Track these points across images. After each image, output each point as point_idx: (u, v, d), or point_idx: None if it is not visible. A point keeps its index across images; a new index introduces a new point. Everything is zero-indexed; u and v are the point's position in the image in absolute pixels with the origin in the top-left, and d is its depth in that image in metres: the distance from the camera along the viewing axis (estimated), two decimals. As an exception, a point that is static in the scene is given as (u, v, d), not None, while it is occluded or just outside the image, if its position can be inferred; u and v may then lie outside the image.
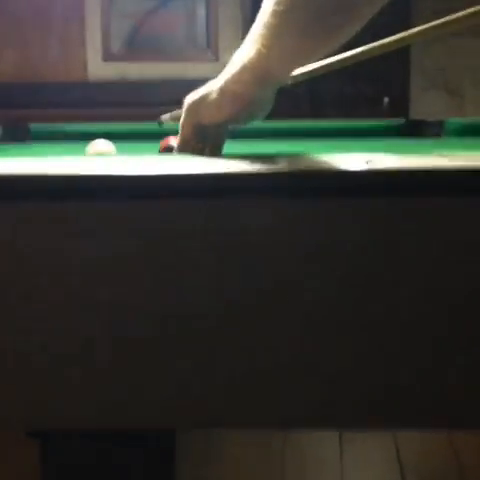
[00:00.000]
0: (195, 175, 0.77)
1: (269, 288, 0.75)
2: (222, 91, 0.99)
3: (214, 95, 1.00)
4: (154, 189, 0.75)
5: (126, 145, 1.50)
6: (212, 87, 1.01)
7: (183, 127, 1.05)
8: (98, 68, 4.64)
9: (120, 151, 1.40)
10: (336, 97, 4.68)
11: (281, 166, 0.82)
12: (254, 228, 0.75)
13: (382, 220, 0.75)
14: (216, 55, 4.48)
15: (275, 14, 0.92)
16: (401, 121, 2.13)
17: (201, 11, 4.66)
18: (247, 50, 0.96)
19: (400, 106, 4.61)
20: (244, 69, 0.97)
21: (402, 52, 4.61)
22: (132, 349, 0.77)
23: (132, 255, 0.75)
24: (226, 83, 0.99)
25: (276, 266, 0.75)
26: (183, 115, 1.05)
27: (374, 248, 0.74)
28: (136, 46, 4.68)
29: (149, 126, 1.92)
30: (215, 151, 1.06)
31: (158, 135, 1.42)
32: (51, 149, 1.71)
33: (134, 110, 4.06)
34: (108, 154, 1.35)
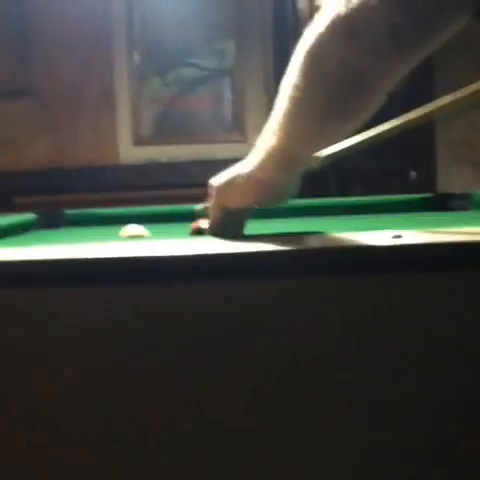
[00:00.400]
0: (219, 255, 0.79)
1: (300, 367, 0.76)
2: (247, 178, 1.01)
3: (239, 181, 1.02)
4: (193, 270, 0.77)
5: (159, 227, 1.53)
6: (237, 173, 1.04)
7: (212, 210, 1.08)
8: (129, 152, 4.75)
9: (153, 234, 1.43)
10: (363, 173, 4.72)
11: (309, 245, 0.84)
12: (284, 306, 0.76)
13: (414, 295, 0.76)
14: (243, 136, 4.56)
15: (293, 101, 0.95)
16: (428, 195, 2.15)
17: (228, 94, 4.77)
18: (269, 137, 0.99)
19: (427, 180, 4.63)
20: (267, 156, 0.99)
21: (427, 126, 4.65)
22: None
23: (168, 338, 0.76)
24: (251, 170, 1.01)
25: (309, 343, 0.76)
26: (211, 199, 1.08)
27: (405, 324, 0.75)
28: (165, 129, 4.79)
29: (180, 208, 1.96)
30: (238, 230, 1.08)
31: (189, 216, 1.45)
32: (85, 234, 1.75)
33: (165, 192, 4.13)
34: (141, 237, 1.39)
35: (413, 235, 0.85)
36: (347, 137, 1.00)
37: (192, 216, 1.36)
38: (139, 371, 0.76)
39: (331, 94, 0.93)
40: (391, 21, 0.86)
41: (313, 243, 0.85)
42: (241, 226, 1.08)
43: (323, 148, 1.03)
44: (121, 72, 4.75)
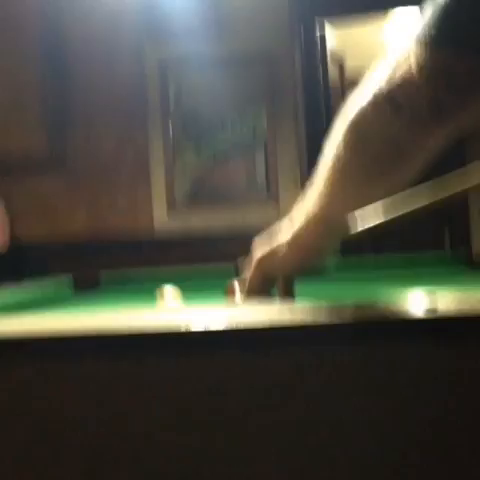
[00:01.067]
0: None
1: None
2: (290, 245, 1.03)
3: (282, 249, 1.04)
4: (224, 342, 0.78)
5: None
6: (279, 241, 1.06)
7: (252, 279, 1.08)
8: (164, 223, 4.79)
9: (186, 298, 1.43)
10: (397, 231, 4.69)
11: (342, 316, 0.84)
12: (321, 379, 0.76)
13: (448, 368, 0.75)
14: (277, 209, 4.60)
15: (334, 170, 0.97)
16: (463, 252, 2.14)
17: (260, 166, 4.82)
18: (309, 203, 1.02)
19: (461, 237, 4.58)
20: (307, 223, 1.02)
21: (462, 202, 4.63)
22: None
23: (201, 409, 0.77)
24: (293, 237, 1.03)
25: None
26: (251, 268, 1.09)
27: (439, 396, 0.75)
28: (199, 199, 4.84)
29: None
30: (288, 295, 1.08)
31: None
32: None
33: (200, 265, 4.13)
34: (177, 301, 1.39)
35: (449, 306, 0.84)
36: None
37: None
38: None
39: (372, 166, 0.95)
40: (433, 98, 0.88)
41: (343, 314, 0.85)
42: (291, 292, 1.09)
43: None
44: (156, 144, 4.83)
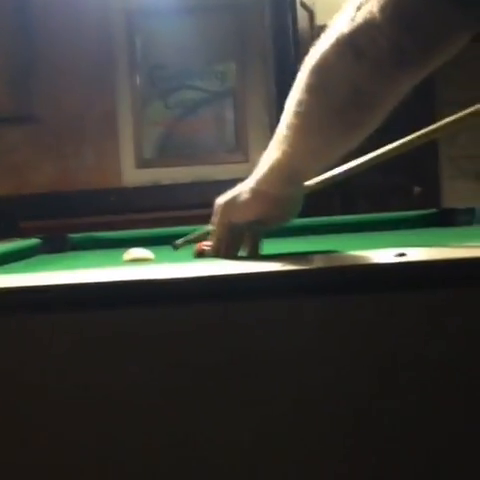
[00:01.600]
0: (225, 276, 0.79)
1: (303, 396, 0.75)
2: (252, 191, 1.03)
3: (244, 195, 1.03)
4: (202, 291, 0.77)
5: (163, 250, 1.53)
6: (242, 188, 1.05)
7: (217, 227, 1.08)
8: (132, 175, 4.77)
9: (158, 257, 1.43)
10: (366, 188, 4.72)
11: (312, 264, 0.83)
12: (286, 326, 0.76)
13: (418, 314, 0.75)
14: (246, 156, 4.57)
15: (297, 115, 0.96)
16: (432, 211, 2.14)
17: (229, 115, 4.79)
18: (273, 151, 1.01)
19: (431, 195, 4.63)
20: (271, 169, 1.01)
21: (430, 142, 4.67)
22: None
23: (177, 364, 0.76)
24: (256, 183, 1.03)
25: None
26: (216, 216, 1.08)
27: (408, 343, 0.75)
28: (167, 152, 4.81)
29: (184, 229, 1.96)
30: (253, 252, 1.08)
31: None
32: (90, 258, 1.74)
33: (168, 214, 4.14)
34: (145, 260, 1.38)
35: (417, 252, 0.85)
36: (350, 150, 1.00)
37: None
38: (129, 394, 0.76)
39: (335, 110, 0.94)
40: (395, 40, 0.86)
41: (317, 262, 0.84)
42: (256, 247, 1.08)
43: (325, 162, 1.03)
44: (123, 96, 4.78)
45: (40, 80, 4.71)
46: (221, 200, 1.08)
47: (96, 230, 2.25)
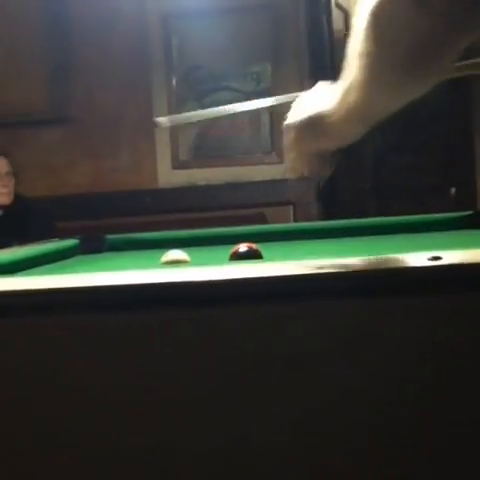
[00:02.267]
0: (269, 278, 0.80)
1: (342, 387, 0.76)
2: (331, 128, 1.00)
3: (323, 130, 1.01)
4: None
5: (201, 252, 1.54)
6: (321, 119, 1.02)
7: (294, 152, 1.09)
8: (168, 176, 4.79)
9: (194, 258, 1.44)
10: (401, 190, 4.70)
11: (348, 268, 0.84)
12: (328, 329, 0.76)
13: (452, 316, 0.75)
14: (281, 158, 4.57)
15: (361, 60, 0.94)
16: (468, 213, 2.13)
17: (265, 116, 4.79)
18: (349, 92, 0.97)
19: (467, 197, 4.59)
20: (349, 112, 0.98)
21: (466, 143, 4.62)
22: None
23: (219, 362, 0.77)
24: (334, 120, 0.99)
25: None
26: (290, 138, 1.08)
27: (445, 346, 0.75)
28: (203, 153, 4.83)
29: (221, 231, 1.97)
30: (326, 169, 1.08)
31: (230, 239, 1.46)
32: (127, 259, 1.77)
33: (203, 214, 4.15)
34: (182, 263, 1.40)
35: (453, 256, 0.85)
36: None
37: (232, 239, 1.37)
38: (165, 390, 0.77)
39: (396, 61, 0.90)
40: None
41: (348, 266, 0.85)
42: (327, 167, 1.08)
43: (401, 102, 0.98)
44: (159, 98, 4.80)
45: (77, 82, 4.75)
46: (300, 121, 1.05)
47: (132, 231, 2.27)
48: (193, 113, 1.20)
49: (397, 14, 0.86)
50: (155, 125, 1.26)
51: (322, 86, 1.05)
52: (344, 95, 0.98)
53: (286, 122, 1.06)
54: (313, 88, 1.05)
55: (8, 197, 3.67)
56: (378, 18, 0.88)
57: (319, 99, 1.04)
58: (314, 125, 1.02)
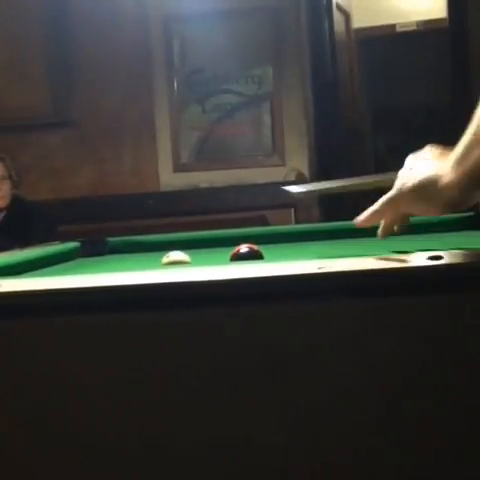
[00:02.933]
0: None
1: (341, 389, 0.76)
2: (443, 194, 0.93)
3: (434, 195, 0.93)
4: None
5: (201, 253, 1.54)
6: (433, 184, 0.94)
7: (385, 207, 1.03)
8: (170, 179, 4.80)
9: (195, 260, 1.44)
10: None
11: (348, 267, 0.84)
12: (321, 327, 0.76)
13: (452, 316, 0.75)
14: (283, 160, 4.57)
15: None
16: (470, 214, 2.12)
17: (266, 119, 4.79)
18: (470, 152, 0.89)
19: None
20: (466, 175, 0.89)
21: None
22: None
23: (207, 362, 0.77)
24: (447, 185, 0.92)
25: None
26: (393, 196, 1.01)
27: (441, 345, 0.75)
28: (204, 156, 4.83)
29: (221, 233, 1.97)
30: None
31: (231, 241, 1.46)
32: (129, 261, 1.76)
33: (205, 217, 4.16)
34: (182, 263, 1.40)
35: (454, 255, 0.85)
36: None
37: (233, 241, 1.37)
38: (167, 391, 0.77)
39: None
40: None
41: (348, 266, 0.85)
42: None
43: None
44: (161, 101, 4.81)
45: (79, 86, 4.77)
46: (408, 180, 0.97)
47: (134, 234, 2.27)
48: (322, 184, 1.18)
49: None
50: (287, 193, 1.24)
51: (433, 149, 0.97)
52: (465, 151, 0.89)
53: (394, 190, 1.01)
54: (423, 151, 0.99)
55: (3, 201, 3.66)
56: None
57: (431, 162, 0.96)
58: (423, 189, 0.95)
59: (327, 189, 1.10)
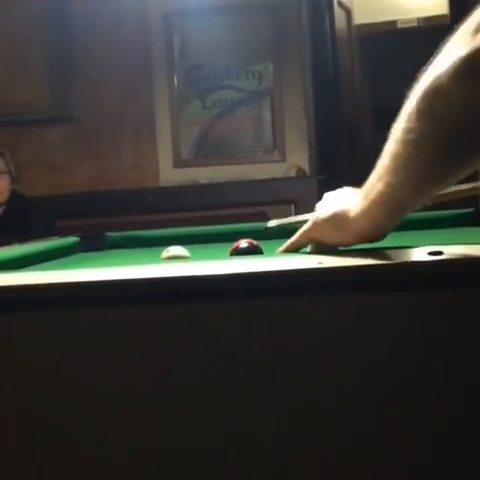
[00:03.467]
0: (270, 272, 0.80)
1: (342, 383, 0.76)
2: (352, 222, 0.96)
3: (345, 225, 0.97)
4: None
5: (200, 248, 1.54)
6: (342, 212, 0.98)
7: (301, 235, 1.06)
8: (170, 175, 4.80)
9: (194, 255, 1.44)
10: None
11: (347, 262, 0.84)
12: (326, 323, 0.76)
13: (450, 312, 0.75)
14: (283, 156, 4.57)
15: (405, 143, 0.88)
16: (470, 210, 2.12)
17: (267, 115, 4.79)
18: (377, 183, 0.93)
19: (469, 196, 4.58)
20: (373, 204, 0.93)
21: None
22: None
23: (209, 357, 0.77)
24: (356, 215, 0.96)
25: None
26: (309, 227, 1.04)
27: (441, 341, 0.75)
28: (204, 151, 4.83)
29: (220, 228, 1.97)
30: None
31: (230, 236, 1.45)
32: (128, 256, 1.76)
33: (205, 212, 4.16)
34: (182, 258, 1.40)
35: (454, 251, 0.85)
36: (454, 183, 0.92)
37: (232, 236, 1.37)
38: (164, 390, 0.77)
39: (448, 139, 0.86)
40: None
41: (348, 260, 0.84)
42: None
43: (432, 194, 0.93)
44: (161, 97, 4.81)
45: (79, 81, 4.76)
46: (320, 213, 1.03)
47: (133, 229, 2.26)
48: (300, 217, 1.20)
49: (454, 92, 0.83)
50: (267, 230, 1.27)
51: (350, 188, 1.01)
52: (374, 182, 0.93)
53: (315, 214, 1.03)
54: (340, 189, 1.03)
55: (1, 196, 3.65)
56: (434, 96, 0.85)
57: (346, 195, 1.00)
58: (334, 219, 0.99)
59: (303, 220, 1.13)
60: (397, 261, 0.81)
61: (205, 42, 4.76)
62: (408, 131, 0.87)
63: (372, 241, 0.98)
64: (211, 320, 0.77)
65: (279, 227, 1.27)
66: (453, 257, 0.80)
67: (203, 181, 4.73)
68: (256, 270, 0.81)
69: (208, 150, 4.83)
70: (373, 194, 0.93)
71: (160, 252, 1.46)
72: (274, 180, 4.35)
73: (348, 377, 0.76)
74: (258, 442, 0.76)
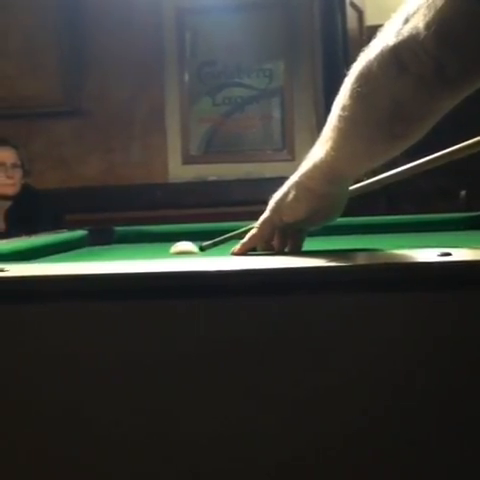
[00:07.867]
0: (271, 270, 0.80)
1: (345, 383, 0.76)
2: (299, 188, 1.06)
3: (293, 192, 1.05)
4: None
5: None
6: (290, 185, 1.08)
7: (263, 224, 1.10)
8: (178, 171, 4.80)
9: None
10: (412, 192, 4.68)
11: (354, 261, 0.84)
12: (333, 321, 0.76)
13: (460, 313, 0.75)
14: (292, 155, 4.57)
15: (341, 119, 0.97)
16: (477, 213, 2.12)
17: (276, 113, 4.79)
18: (318, 149, 1.02)
19: (477, 200, 4.57)
20: (315, 167, 1.03)
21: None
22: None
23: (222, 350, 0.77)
24: (300, 179, 1.05)
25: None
26: (266, 212, 1.10)
27: (448, 341, 0.75)
28: (214, 148, 4.83)
29: (229, 225, 1.97)
30: (296, 249, 1.10)
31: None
32: (136, 251, 1.77)
33: (213, 209, 4.16)
34: (190, 253, 1.41)
35: (462, 252, 0.85)
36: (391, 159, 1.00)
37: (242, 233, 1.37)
38: (177, 381, 0.77)
39: (376, 120, 0.94)
40: (438, 58, 0.85)
41: (359, 259, 0.85)
42: (298, 247, 1.10)
43: (368, 167, 1.04)
44: (171, 92, 4.81)
45: (90, 75, 4.77)
46: (273, 197, 1.10)
47: (142, 225, 2.27)
48: (231, 234, 1.27)
49: (380, 78, 0.91)
50: (201, 247, 1.32)
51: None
52: (318, 150, 1.01)
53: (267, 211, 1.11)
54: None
55: (13, 189, 3.64)
56: (364, 79, 0.93)
57: (286, 185, 1.10)
58: (278, 207, 1.08)
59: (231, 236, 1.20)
60: (407, 261, 0.81)
61: (217, 39, 4.76)
62: (343, 108, 0.96)
63: (324, 214, 1.07)
64: (217, 315, 0.78)
65: (215, 245, 1.31)
66: (461, 259, 0.80)
67: (211, 178, 4.73)
68: (261, 267, 0.81)
69: (217, 147, 4.83)
70: (314, 160, 1.02)
71: (168, 247, 1.46)
72: (283, 179, 4.32)
73: (356, 375, 0.76)
74: (258, 439, 0.77)
